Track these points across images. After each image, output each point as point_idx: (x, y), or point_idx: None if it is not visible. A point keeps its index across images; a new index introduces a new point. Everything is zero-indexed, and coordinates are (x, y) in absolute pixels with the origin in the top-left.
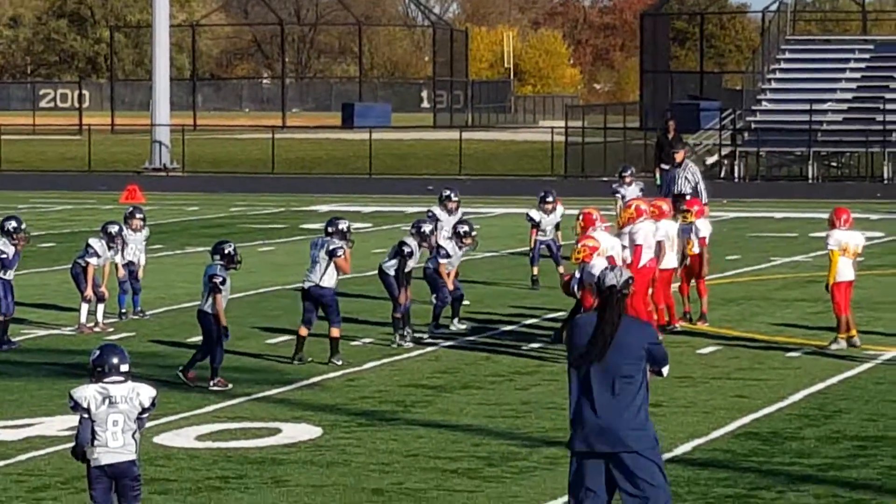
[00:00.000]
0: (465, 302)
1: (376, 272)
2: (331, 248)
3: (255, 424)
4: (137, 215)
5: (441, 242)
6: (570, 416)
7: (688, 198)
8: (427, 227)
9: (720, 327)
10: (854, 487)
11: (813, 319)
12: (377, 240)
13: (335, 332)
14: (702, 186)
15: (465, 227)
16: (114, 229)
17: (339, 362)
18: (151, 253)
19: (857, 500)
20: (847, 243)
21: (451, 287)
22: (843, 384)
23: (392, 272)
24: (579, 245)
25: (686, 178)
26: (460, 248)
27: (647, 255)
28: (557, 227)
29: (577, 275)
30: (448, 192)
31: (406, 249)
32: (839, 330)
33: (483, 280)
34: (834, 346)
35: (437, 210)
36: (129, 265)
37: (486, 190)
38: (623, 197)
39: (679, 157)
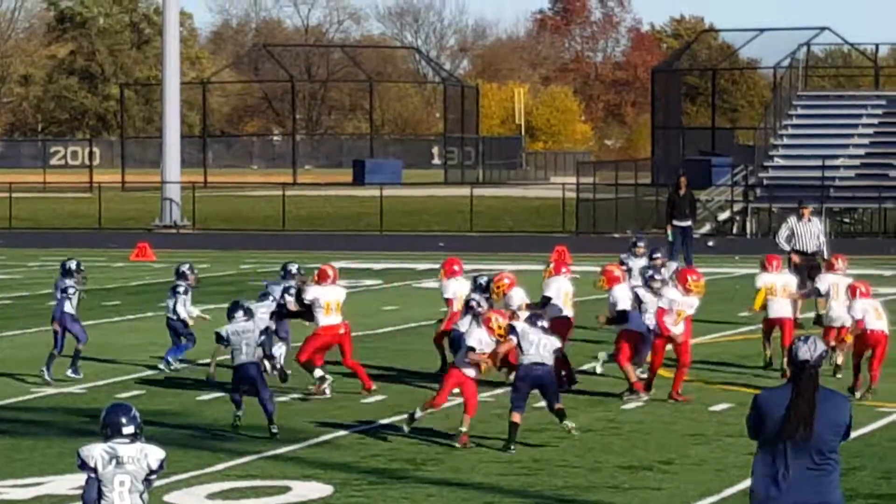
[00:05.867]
0: None
1: (389, 329)
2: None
3: (266, 483)
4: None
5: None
6: (759, 492)
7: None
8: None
9: (733, 384)
10: None
11: (827, 376)
12: (388, 297)
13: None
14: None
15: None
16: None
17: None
18: (162, 311)
19: None
20: (774, 283)
21: None
22: (858, 441)
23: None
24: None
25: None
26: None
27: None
28: None
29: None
30: (486, 279)
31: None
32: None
33: None
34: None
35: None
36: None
37: (498, 246)
38: (629, 270)
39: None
